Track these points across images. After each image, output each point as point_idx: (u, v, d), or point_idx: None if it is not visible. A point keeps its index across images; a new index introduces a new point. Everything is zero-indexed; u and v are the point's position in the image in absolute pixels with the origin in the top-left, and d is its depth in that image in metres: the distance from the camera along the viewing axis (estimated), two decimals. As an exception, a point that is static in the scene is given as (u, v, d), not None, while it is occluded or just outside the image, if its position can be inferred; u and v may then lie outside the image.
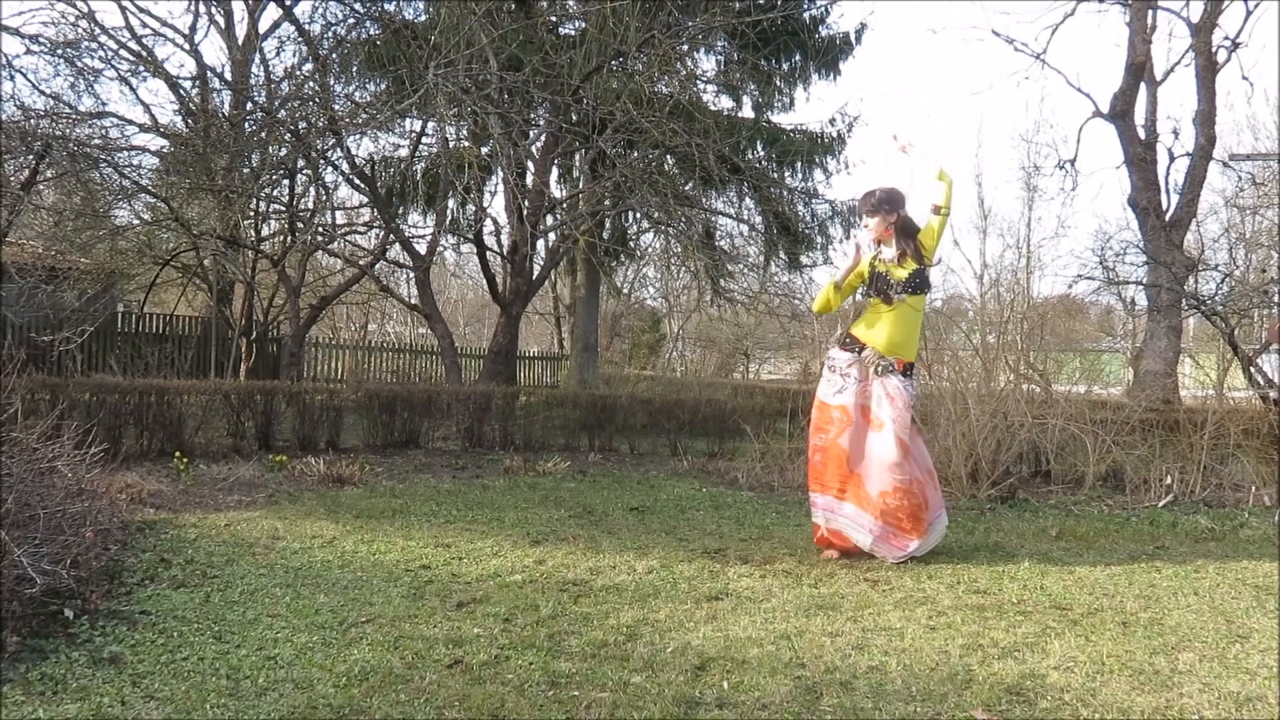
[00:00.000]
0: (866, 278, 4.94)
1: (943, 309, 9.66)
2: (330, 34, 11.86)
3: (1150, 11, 13.99)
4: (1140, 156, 13.76)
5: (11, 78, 11.15)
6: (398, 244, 12.57)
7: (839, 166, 14.86)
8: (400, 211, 13.71)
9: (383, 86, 12.24)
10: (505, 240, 13.52)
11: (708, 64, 14.52)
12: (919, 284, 4.87)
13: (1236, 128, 30.34)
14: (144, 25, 12.35)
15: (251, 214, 12.77)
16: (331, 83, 11.63)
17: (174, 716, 2.62)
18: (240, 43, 13.53)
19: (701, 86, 13.67)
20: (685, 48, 12.13)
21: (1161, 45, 32.38)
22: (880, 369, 4.77)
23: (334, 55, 11.92)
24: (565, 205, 13.27)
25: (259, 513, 5.50)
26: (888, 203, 4.94)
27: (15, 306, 11.74)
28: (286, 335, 13.33)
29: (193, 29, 13.02)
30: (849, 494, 4.79)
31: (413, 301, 14.87)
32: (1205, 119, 13.45)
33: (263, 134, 11.11)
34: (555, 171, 14.05)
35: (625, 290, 23.37)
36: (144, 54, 11.36)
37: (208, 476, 6.59)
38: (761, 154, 14.54)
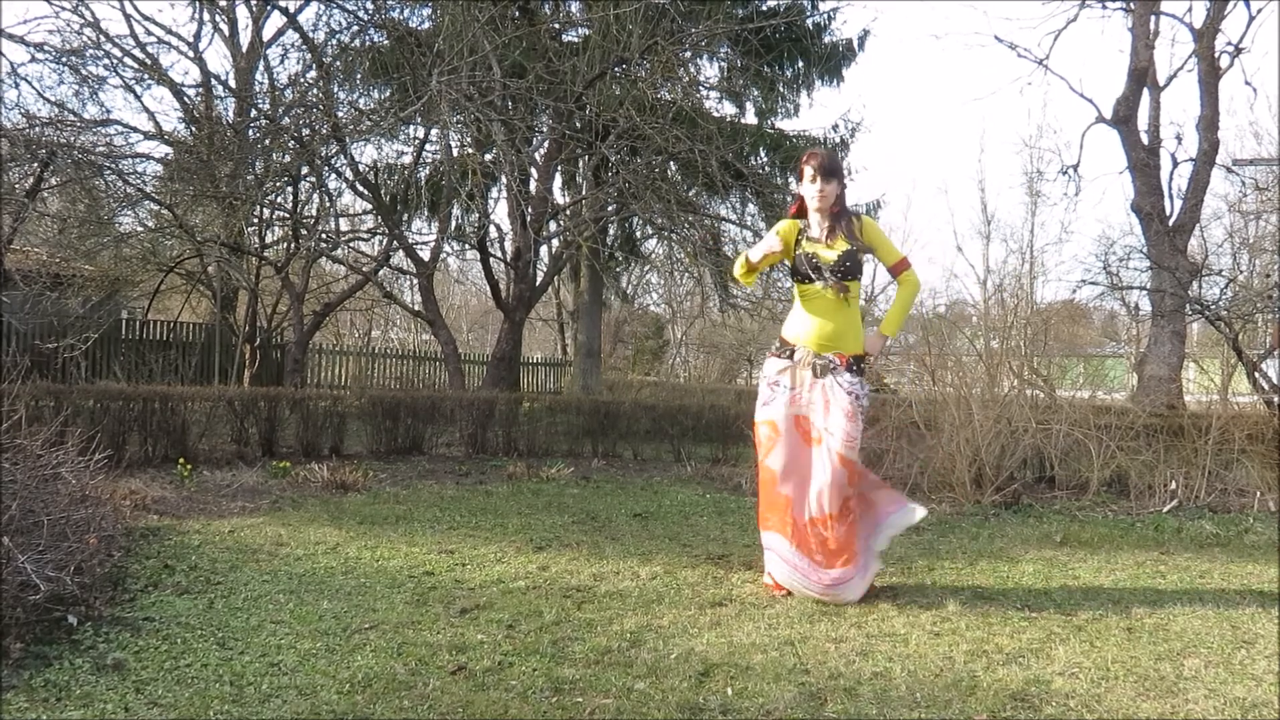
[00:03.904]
0: (791, 260, 4.13)
1: (946, 314, 9.64)
2: (334, 41, 11.89)
3: (1153, 17, 13.99)
4: (1143, 162, 13.75)
5: (16, 85, 11.24)
6: (401, 250, 12.59)
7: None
8: (404, 218, 13.73)
9: (386, 93, 12.29)
10: (508, 246, 13.54)
11: (710, 70, 14.54)
12: (850, 267, 4.02)
13: (1239, 133, 30.23)
14: (148, 33, 12.36)
15: (255, 221, 12.80)
16: (335, 90, 11.67)
17: (177, 723, 2.62)
18: (244, 50, 13.56)
19: (704, 93, 13.67)
20: (688, 54, 12.14)
21: (1164, 51, 32.35)
22: (820, 369, 4.02)
23: (338, 62, 11.96)
24: (568, 211, 13.29)
25: (262, 519, 5.50)
26: (840, 170, 4.14)
27: (20, 313, 11.78)
28: (290, 342, 13.35)
29: (197, 36, 13.06)
30: (773, 522, 4.11)
31: (416, 308, 14.91)
32: (1208, 124, 13.44)
33: (267, 141, 11.14)
34: (558, 178, 14.08)
35: (629, 295, 23.38)
36: (148, 61, 11.39)
37: (211, 483, 6.60)
38: (765, 160, 14.54)
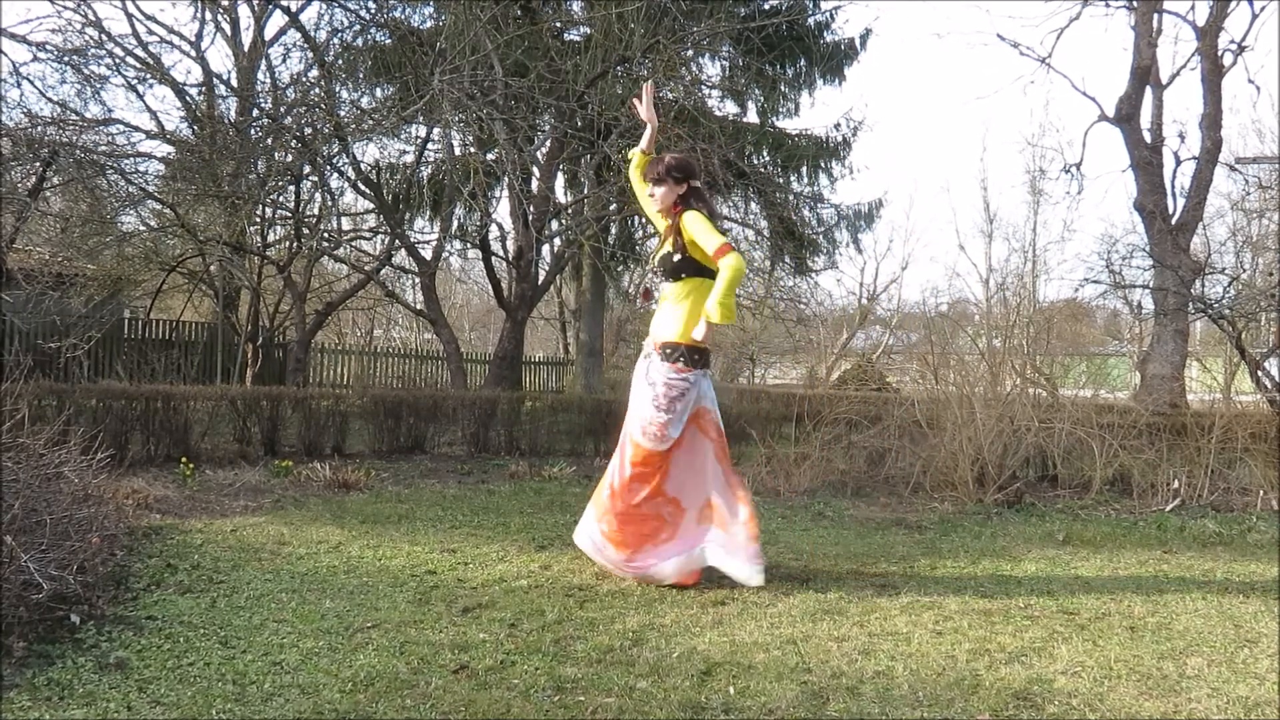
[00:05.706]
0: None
1: (949, 313, 9.63)
2: (336, 40, 11.90)
3: (1156, 15, 13.96)
4: (1146, 160, 13.71)
5: (18, 84, 11.18)
6: (403, 250, 12.60)
7: (844, 171, 14.91)
8: (406, 217, 13.75)
9: (388, 92, 12.29)
10: (510, 246, 13.55)
11: (712, 69, 14.56)
12: (664, 270, 4.19)
13: (1242, 131, 30.29)
14: (150, 33, 12.35)
15: (257, 220, 12.80)
16: (337, 89, 11.67)
17: (180, 722, 2.62)
18: (246, 49, 13.56)
19: (706, 92, 13.68)
20: (690, 53, 12.15)
21: (1167, 49, 32.35)
22: (645, 356, 4.26)
23: (340, 61, 11.96)
24: (570, 210, 13.29)
25: (265, 518, 5.50)
26: (678, 170, 4.18)
27: (22, 313, 11.79)
28: (292, 341, 13.36)
29: (199, 36, 13.06)
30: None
31: (418, 307, 14.91)
32: (1211, 122, 13.40)
33: (269, 140, 11.15)
34: (560, 177, 14.07)
35: (631, 294, 23.37)
36: (150, 61, 11.40)
37: (213, 482, 6.60)
38: (766, 159, 14.56)
